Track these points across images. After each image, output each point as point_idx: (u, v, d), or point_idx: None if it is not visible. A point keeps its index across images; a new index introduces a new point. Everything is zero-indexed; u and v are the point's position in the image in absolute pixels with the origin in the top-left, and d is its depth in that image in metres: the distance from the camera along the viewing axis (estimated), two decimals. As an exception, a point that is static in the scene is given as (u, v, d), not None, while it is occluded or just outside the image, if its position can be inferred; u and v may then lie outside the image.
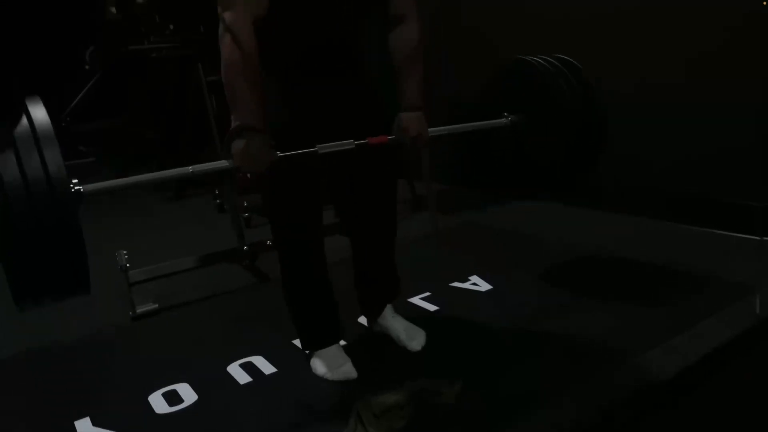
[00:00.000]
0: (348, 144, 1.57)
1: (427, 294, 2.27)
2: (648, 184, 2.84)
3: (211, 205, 3.87)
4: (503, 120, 1.96)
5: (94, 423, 1.65)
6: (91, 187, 1.31)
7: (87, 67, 4.92)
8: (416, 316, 2.03)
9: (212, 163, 1.48)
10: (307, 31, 1.58)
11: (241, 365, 1.88)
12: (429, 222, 3.08)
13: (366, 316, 2.01)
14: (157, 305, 2.38)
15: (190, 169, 1.43)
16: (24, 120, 1.20)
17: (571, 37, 2.84)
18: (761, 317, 1.89)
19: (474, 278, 2.40)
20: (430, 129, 1.72)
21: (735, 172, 2.54)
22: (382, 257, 1.91)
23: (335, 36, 1.63)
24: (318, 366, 1.78)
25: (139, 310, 2.33)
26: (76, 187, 1.26)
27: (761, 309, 1.91)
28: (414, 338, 1.89)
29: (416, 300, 2.23)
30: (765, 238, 2.39)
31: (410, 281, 2.08)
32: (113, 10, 4.30)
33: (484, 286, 2.33)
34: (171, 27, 3.90)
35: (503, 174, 2.19)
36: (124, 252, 2.34)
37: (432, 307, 2.18)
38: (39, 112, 1.22)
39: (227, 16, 1.43)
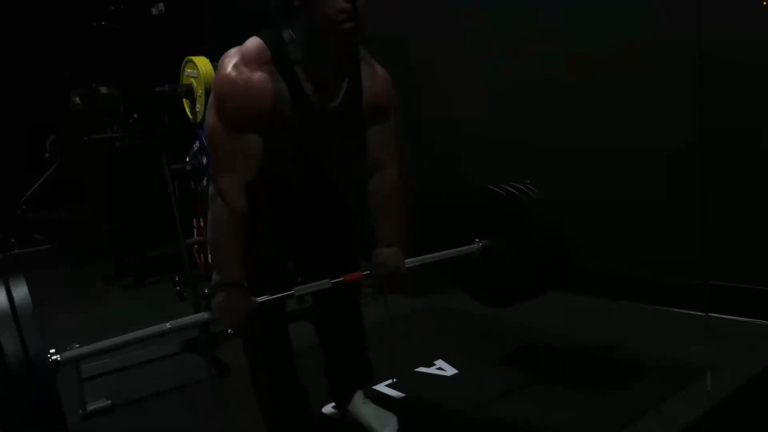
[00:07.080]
0: (325, 284, 1.65)
1: (392, 380, 2.24)
2: (601, 266, 2.93)
3: (171, 293, 3.78)
4: (474, 246, 2.04)
5: None
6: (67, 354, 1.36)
7: (47, 155, 4.89)
8: (382, 404, 1.98)
9: (192, 316, 1.56)
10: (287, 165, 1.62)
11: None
12: (390, 305, 3.07)
13: (336, 404, 1.96)
14: (110, 401, 2.26)
15: (167, 325, 1.47)
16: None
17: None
18: (719, 397, 1.92)
19: (439, 362, 2.37)
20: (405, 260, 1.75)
21: (677, 252, 2.66)
22: (353, 340, 1.90)
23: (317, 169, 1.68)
24: None
25: (91, 407, 2.21)
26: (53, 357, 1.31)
27: (713, 387, 1.95)
28: (386, 424, 1.85)
29: (381, 387, 2.19)
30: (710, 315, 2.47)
31: (374, 368, 2.04)
32: (77, 100, 4.34)
33: (449, 371, 2.31)
34: (135, 117, 3.95)
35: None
36: (77, 345, 2.24)
37: (398, 394, 2.14)
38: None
39: (220, 179, 1.47)
